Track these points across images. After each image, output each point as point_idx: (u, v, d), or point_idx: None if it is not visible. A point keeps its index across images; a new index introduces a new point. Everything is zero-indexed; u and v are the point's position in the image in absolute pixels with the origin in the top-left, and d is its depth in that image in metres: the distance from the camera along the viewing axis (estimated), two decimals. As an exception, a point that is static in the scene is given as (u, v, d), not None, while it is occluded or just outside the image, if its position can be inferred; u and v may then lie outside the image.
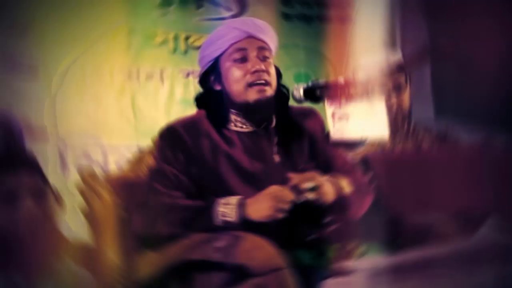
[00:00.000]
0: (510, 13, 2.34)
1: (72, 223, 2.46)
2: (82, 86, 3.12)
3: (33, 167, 2.25)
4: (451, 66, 2.47)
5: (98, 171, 2.57)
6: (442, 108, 2.49)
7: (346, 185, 2.11)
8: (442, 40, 2.49)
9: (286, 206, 1.99)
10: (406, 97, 2.73)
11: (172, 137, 2.16)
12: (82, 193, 2.27)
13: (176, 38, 3.50)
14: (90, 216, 2.27)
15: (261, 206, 1.99)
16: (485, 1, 2.37)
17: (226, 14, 3.50)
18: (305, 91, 2.32)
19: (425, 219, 2.30)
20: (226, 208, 2.02)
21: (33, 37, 2.88)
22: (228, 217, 2.01)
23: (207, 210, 2.03)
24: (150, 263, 2.06)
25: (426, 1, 2.57)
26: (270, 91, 2.16)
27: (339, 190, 2.09)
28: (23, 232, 2.12)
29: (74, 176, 2.62)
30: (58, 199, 2.37)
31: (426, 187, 2.36)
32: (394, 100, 2.70)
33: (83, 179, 2.30)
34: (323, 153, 2.27)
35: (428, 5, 2.56)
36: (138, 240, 2.12)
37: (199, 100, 2.26)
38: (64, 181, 2.85)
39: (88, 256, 2.22)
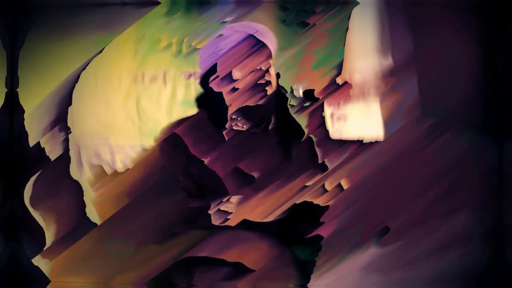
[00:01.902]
0: (472, 30, 2.43)
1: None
2: (94, 90, 3.16)
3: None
4: (431, 74, 2.55)
5: (107, 169, 2.61)
6: (427, 111, 2.55)
7: (344, 184, 2.15)
8: (423, 50, 2.57)
9: (285, 206, 2.04)
10: (398, 99, 2.77)
11: (173, 138, 2.18)
12: (94, 188, 2.32)
13: (179, 42, 3.52)
14: (100, 210, 2.31)
15: (260, 206, 2.06)
16: (459, 21, 2.45)
17: (227, 19, 3.52)
18: (304, 91, 2.34)
19: (411, 213, 2.34)
20: (226, 208, 2.06)
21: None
22: (228, 216, 2.06)
23: (207, 209, 2.09)
24: (155, 256, 2.09)
25: (410, 15, 2.65)
26: (269, 92, 2.19)
27: (337, 189, 2.13)
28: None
29: (87, 174, 2.68)
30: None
31: (413, 184, 2.39)
32: (387, 102, 2.74)
33: (95, 176, 2.35)
34: (321, 152, 2.30)
35: (412, 17, 2.65)
36: (143, 235, 2.15)
37: (200, 101, 2.30)
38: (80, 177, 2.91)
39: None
